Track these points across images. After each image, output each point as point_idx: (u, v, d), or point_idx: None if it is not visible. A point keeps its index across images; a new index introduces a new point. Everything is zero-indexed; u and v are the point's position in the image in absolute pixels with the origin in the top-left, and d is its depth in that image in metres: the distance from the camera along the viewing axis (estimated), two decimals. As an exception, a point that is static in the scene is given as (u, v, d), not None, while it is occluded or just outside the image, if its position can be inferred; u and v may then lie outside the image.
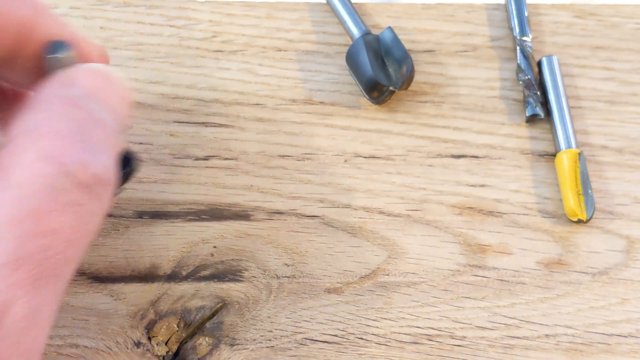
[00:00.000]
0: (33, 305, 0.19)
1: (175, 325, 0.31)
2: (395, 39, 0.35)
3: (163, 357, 0.31)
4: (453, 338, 0.31)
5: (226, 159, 0.35)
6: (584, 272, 0.33)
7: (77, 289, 0.32)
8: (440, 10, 0.38)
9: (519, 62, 0.36)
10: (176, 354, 0.31)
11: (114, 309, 0.31)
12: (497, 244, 0.33)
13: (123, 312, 0.31)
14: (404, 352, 0.31)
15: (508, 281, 0.32)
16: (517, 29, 0.37)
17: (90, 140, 0.20)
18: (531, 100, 0.35)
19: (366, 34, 0.36)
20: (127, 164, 0.25)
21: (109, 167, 0.21)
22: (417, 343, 0.31)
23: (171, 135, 0.35)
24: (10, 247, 0.18)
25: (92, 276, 0.32)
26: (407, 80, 0.35)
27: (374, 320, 0.32)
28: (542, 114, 0.35)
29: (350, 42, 0.36)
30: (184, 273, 0.32)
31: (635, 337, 0.32)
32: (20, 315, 0.19)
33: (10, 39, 0.23)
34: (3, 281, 0.18)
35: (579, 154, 0.34)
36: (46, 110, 0.21)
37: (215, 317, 0.31)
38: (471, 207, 0.34)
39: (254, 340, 0.31)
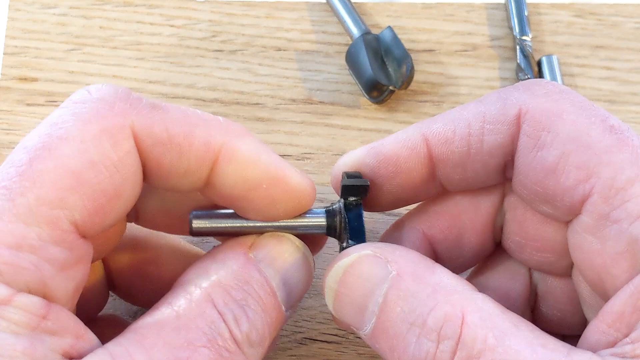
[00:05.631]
0: None
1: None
2: (395, 38, 0.35)
3: (163, 357, 0.31)
4: (453, 337, 0.31)
5: (226, 158, 0.35)
6: (583, 272, 0.33)
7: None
8: (440, 10, 0.38)
9: (518, 61, 0.36)
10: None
11: (114, 309, 0.31)
12: (497, 244, 0.33)
13: (123, 312, 0.31)
14: (404, 352, 0.31)
15: (508, 280, 0.32)
16: (517, 29, 0.37)
17: (254, 302, 0.22)
18: (531, 99, 0.35)
19: (366, 33, 0.36)
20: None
21: (260, 331, 0.23)
22: (417, 342, 0.31)
23: (171, 134, 0.35)
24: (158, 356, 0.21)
25: (92, 276, 0.32)
26: (407, 79, 0.35)
27: (373, 319, 0.32)
28: (541, 113, 0.35)
29: (350, 42, 0.36)
30: (184, 273, 0.32)
31: (635, 336, 0.32)
32: None
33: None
34: None
35: (579, 153, 0.34)
36: (224, 266, 0.23)
37: (215, 317, 0.31)
38: (471, 207, 0.34)
39: (254, 339, 0.31)
